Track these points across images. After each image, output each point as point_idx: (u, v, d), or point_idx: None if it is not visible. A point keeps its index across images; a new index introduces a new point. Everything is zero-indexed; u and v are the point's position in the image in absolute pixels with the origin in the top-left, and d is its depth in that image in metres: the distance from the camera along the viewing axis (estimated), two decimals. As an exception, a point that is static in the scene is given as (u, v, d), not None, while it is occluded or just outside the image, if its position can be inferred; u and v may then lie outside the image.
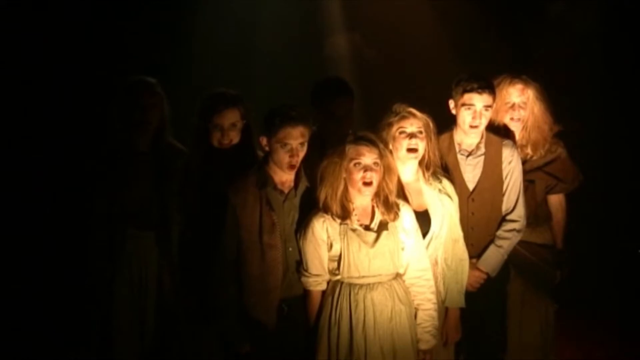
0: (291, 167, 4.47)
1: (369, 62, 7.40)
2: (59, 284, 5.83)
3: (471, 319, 4.90)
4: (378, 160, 4.36)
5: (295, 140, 4.42)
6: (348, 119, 4.97)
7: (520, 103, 5.12)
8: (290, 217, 4.53)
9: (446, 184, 4.74)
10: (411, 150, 4.60)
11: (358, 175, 4.35)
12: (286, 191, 4.55)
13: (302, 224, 4.45)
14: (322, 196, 4.38)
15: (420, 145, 4.60)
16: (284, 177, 4.54)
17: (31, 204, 6.34)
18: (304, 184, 4.57)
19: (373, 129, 4.60)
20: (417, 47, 7.22)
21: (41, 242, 6.17)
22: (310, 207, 4.49)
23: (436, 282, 4.62)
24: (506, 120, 5.15)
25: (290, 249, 4.51)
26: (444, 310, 4.73)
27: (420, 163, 4.68)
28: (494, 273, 4.97)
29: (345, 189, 4.39)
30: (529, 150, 5.16)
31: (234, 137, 4.83)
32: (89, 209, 5.03)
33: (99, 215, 5.01)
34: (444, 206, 4.68)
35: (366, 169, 4.34)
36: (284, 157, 4.44)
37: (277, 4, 7.29)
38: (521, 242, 5.09)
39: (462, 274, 4.75)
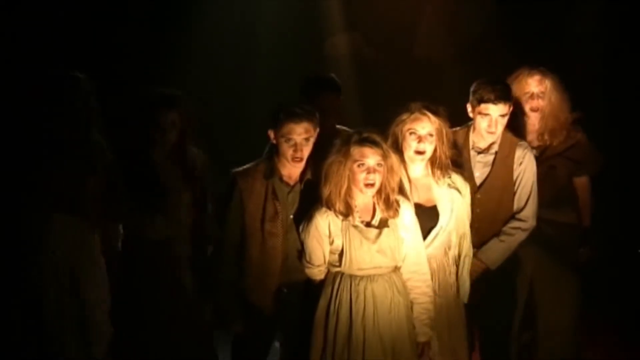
0: (295, 160, 4.59)
1: (370, 62, 7.41)
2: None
3: (482, 318, 5.13)
4: (381, 162, 4.43)
5: (299, 136, 4.55)
6: (334, 112, 5.16)
7: (538, 93, 5.32)
8: (294, 209, 4.66)
9: (456, 178, 4.80)
10: (419, 152, 4.68)
11: (361, 176, 4.43)
12: (292, 184, 4.68)
13: (305, 218, 4.53)
14: (325, 193, 4.47)
15: (429, 148, 4.68)
16: (291, 170, 4.67)
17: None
18: (309, 181, 4.68)
19: (384, 124, 4.71)
20: (418, 47, 7.24)
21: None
22: (310, 197, 4.60)
23: (445, 275, 4.74)
24: (526, 109, 5.34)
25: (291, 238, 4.65)
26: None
27: (431, 161, 4.74)
28: (494, 266, 5.04)
29: (349, 188, 4.46)
30: (547, 137, 5.35)
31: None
32: None
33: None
34: (453, 201, 4.75)
35: (369, 170, 4.42)
36: (287, 151, 4.57)
37: (277, 4, 7.29)
38: (546, 220, 5.24)
39: (466, 271, 4.84)
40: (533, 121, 5.36)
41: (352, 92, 7.05)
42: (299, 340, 4.62)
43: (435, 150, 4.69)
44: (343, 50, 7.42)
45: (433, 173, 4.74)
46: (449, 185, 4.75)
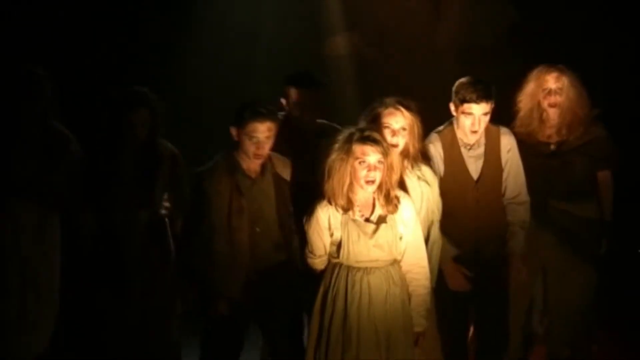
0: (257, 157, 4.86)
1: (370, 62, 7.42)
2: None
3: (478, 314, 5.32)
4: (382, 159, 4.57)
5: (262, 134, 4.82)
6: (312, 107, 5.33)
7: (556, 89, 5.56)
8: (258, 201, 4.90)
9: (426, 171, 5.01)
10: (392, 145, 4.82)
11: (362, 173, 4.57)
12: (253, 176, 4.92)
13: (308, 211, 4.68)
14: (328, 189, 4.61)
15: (401, 141, 4.88)
16: (250, 165, 4.92)
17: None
18: (270, 172, 4.93)
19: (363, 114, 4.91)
20: (417, 47, 7.25)
21: None
22: (281, 192, 4.92)
23: None
24: (544, 105, 5.58)
25: (258, 229, 4.89)
26: None
27: (402, 153, 4.91)
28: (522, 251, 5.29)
29: (351, 184, 4.61)
30: (564, 132, 5.58)
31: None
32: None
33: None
34: (423, 193, 4.95)
35: (370, 168, 4.56)
36: (250, 148, 4.84)
37: (277, 4, 7.30)
38: (560, 210, 5.57)
39: (436, 256, 5.01)
40: (552, 116, 5.58)
41: (352, 92, 7.07)
42: (282, 327, 4.90)
43: (405, 144, 4.87)
44: (343, 50, 7.44)
45: (402, 164, 4.89)
46: (418, 177, 4.95)
